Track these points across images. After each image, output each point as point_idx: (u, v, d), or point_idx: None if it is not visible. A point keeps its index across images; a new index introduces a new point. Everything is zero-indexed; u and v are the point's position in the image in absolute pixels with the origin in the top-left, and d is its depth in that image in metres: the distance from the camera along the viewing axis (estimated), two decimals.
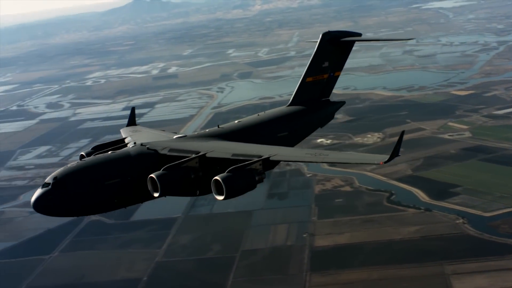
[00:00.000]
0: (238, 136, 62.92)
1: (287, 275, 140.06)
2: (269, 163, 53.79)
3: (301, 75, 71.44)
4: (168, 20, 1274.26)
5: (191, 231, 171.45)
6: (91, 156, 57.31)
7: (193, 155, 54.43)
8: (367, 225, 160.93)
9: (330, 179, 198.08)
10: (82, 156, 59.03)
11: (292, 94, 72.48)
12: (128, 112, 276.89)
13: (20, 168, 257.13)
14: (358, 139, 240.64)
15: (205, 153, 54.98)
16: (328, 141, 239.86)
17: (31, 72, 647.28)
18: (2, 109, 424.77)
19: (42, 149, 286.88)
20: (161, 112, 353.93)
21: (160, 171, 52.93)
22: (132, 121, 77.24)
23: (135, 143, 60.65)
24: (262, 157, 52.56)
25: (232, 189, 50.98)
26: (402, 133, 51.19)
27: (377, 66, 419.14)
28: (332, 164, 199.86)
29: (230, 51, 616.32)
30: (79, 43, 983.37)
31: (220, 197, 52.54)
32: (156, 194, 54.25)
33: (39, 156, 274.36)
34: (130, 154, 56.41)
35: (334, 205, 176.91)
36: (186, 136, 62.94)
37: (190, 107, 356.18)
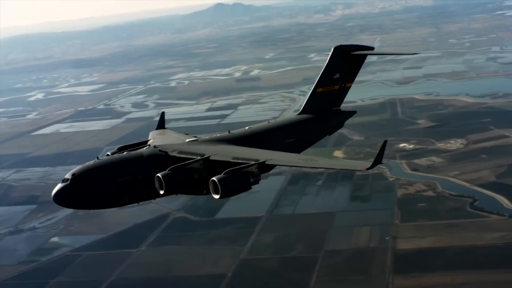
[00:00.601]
0: (246, 141, 65.51)
1: (370, 276, 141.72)
2: (265, 167, 57.11)
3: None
4: (250, 24, 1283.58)
5: (274, 230, 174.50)
6: (107, 156, 61.28)
7: (198, 157, 57.99)
8: (450, 230, 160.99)
9: (412, 183, 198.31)
10: (108, 156, 63.10)
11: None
12: (211, 113, 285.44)
13: None
14: (441, 145, 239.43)
15: (209, 156, 58.30)
16: (411, 146, 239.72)
17: (117, 73, 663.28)
18: (89, 107, 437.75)
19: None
20: (243, 114, 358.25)
21: (166, 171, 56.23)
22: (161, 124, 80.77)
23: (149, 145, 64.61)
24: (258, 161, 55.90)
25: (227, 189, 54.29)
26: (385, 142, 52.69)
27: (460, 72, 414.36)
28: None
29: (312, 55, 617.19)
30: (163, 45, 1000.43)
31: (216, 196, 54.97)
32: (161, 192, 56.82)
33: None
34: (143, 155, 60.08)
35: (417, 209, 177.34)
36: (197, 139, 66.08)
37: (273, 110, 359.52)
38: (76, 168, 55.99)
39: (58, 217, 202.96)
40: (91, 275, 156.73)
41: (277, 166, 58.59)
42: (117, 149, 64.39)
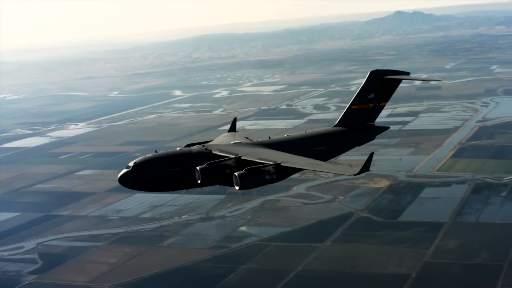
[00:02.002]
0: (281, 146, 74.95)
1: None
2: (284, 169, 66.81)
3: None
4: (430, 33, 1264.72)
5: (458, 236, 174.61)
6: (164, 150, 72.79)
7: (232, 156, 69.10)
8: None
9: None
10: (203, 147, 73.86)
11: None
12: (392, 119, 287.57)
13: None
14: None
15: (240, 156, 69.00)
16: None
17: (298, 75, 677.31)
18: (272, 107, 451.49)
19: None
20: (424, 121, 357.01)
21: (204, 165, 67.98)
22: (232, 128, 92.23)
23: (202, 144, 75.16)
24: (275, 162, 66.25)
25: (244, 183, 65.14)
26: (372, 154, 61.45)
27: None
28: None
29: (494, 67, 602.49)
30: (342, 50, 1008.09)
31: (237, 187, 65.61)
32: (199, 181, 68.47)
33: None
34: (192, 151, 72.12)
35: None
36: (240, 143, 76.48)
37: (454, 119, 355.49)
38: (137, 158, 69.77)
39: (246, 208, 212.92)
40: (278, 264, 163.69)
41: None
42: (184, 146, 75.30)
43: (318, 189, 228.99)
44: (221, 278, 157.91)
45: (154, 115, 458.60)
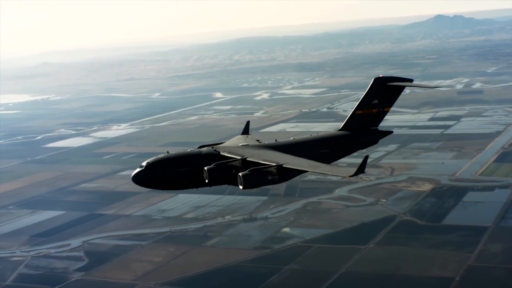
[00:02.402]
0: (287, 149, 78.10)
1: None
2: (287, 170, 69.97)
3: None
4: (471, 37, 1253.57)
5: (502, 240, 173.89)
6: (175, 151, 76.38)
7: (239, 158, 72.24)
8: None
9: None
10: (212, 149, 77.32)
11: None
12: (434, 122, 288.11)
13: (334, 164, 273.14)
14: None
15: (246, 157, 72.19)
16: None
17: (338, 78, 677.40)
18: (313, 110, 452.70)
19: None
20: (466, 125, 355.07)
21: (211, 166, 71.72)
22: (245, 130, 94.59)
23: (212, 146, 78.12)
24: (277, 164, 69.41)
25: (247, 183, 68.57)
26: (366, 157, 63.90)
27: None
28: None
29: None
30: (382, 53, 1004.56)
31: (241, 187, 69.09)
32: (206, 181, 72.18)
33: (350, 156, 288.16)
34: (201, 152, 75.57)
35: None
36: (248, 145, 79.64)
37: (496, 123, 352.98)
38: (150, 158, 73.68)
39: (288, 209, 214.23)
40: (322, 266, 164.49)
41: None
42: (197, 147, 78.59)
43: (360, 192, 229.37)
44: (265, 278, 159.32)
45: (195, 117, 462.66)
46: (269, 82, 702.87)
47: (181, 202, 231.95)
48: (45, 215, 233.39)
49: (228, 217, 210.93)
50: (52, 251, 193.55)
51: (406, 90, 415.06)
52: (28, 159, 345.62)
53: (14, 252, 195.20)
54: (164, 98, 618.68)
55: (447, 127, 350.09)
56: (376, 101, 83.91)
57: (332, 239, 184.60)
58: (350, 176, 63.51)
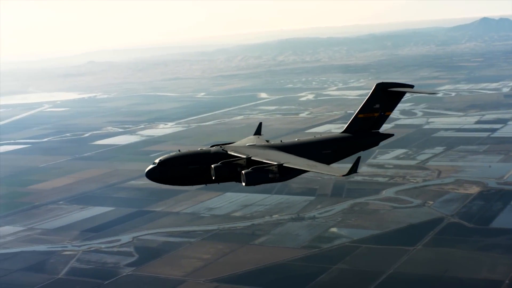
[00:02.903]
0: (291, 149, 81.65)
1: None
2: (285, 169, 73.34)
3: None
4: None
5: None
6: (186, 150, 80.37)
7: (244, 156, 76.09)
8: None
9: None
10: (220, 148, 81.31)
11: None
12: (480, 126, 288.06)
13: (380, 166, 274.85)
14: None
15: (251, 156, 75.88)
16: None
17: (383, 80, 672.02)
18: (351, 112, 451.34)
19: (399, 151, 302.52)
20: None
21: (218, 164, 75.78)
22: (257, 131, 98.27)
23: (220, 146, 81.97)
24: (278, 163, 73.22)
25: (249, 180, 72.85)
26: (359, 158, 68.44)
27: None
28: None
29: None
30: (427, 56, 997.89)
31: (243, 183, 73.68)
32: (213, 178, 76.35)
33: (396, 157, 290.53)
34: (210, 151, 79.28)
35: None
36: (255, 145, 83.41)
37: None
38: (163, 156, 77.71)
39: (335, 210, 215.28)
40: (370, 266, 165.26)
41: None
42: (210, 146, 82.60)
43: (407, 194, 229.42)
44: (314, 277, 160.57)
45: (241, 117, 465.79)
46: (314, 83, 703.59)
47: (228, 201, 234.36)
48: (95, 211, 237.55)
49: (275, 216, 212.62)
50: (103, 246, 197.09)
51: (462, 92, 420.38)
52: (77, 156, 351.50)
53: (66, 247, 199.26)
54: (209, 98, 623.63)
55: (494, 130, 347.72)
56: (377, 106, 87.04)
57: (380, 239, 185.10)
58: (343, 176, 67.61)
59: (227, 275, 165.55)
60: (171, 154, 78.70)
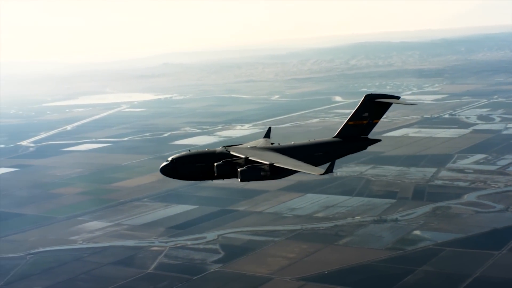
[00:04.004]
0: (286, 151, 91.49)
1: None
2: (275, 168, 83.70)
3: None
4: None
5: None
6: (195, 150, 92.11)
7: (243, 156, 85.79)
8: None
9: None
10: (224, 149, 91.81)
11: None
12: None
13: (460, 171, 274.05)
14: None
15: (249, 156, 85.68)
16: None
17: (458, 85, 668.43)
18: (435, 116, 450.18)
19: (479, 156, 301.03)
20: None
21: (220, 162, 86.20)
22: (267, 135, 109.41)
23: (225, 147, 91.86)
24: (270, 162, 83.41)
25: (243, 177, 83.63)
26: (334, 160, 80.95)
27: None
28: None
29: None
30: (502, 61, 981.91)
31: (239, 180, 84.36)
32: (216, 175, 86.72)
33: (476, 162, 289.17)
34: (215, 151, 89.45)
35: None
36: (255, 147, 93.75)
37: None
38: (175, 155, 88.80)
39: (417, 213, 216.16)
40: (455, 269, 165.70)
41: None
42: (222, 147, 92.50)
43: (489, 198, 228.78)
44: (400, 278, 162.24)
45: (317, 119, 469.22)
46: (388, 87, 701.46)
47: (309, 202, 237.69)
48: (179, 209, 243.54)
49: (358, 218, 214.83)
50: (189, 243, 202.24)
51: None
52: (158, 155, 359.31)
53: (153, 242, 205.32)
54: (284, 100, 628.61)
55: None
56: (366, 114, 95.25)
57: (463, 243, 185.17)
58: (321, 174, 77.99)
59: (313, 274, 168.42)
60: (182, 153, 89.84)
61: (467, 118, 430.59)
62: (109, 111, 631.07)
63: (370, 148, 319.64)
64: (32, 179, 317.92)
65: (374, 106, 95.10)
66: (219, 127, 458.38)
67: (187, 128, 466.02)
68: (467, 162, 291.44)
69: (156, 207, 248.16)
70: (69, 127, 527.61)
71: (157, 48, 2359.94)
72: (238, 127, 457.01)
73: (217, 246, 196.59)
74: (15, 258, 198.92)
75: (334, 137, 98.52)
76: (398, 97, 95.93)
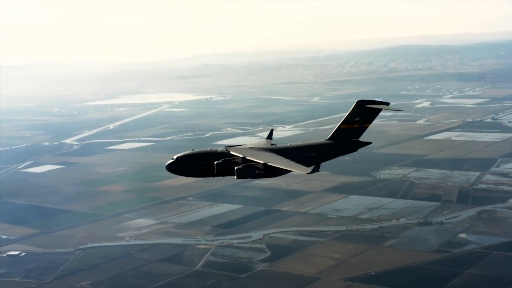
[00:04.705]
0: (283, 152, 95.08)
1: None
2: (268, 167, 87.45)
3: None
4: None
5: None
6: (198, 149, 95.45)
7: (241, 156, 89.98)
8: None
9: None
10: (225, 149, 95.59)
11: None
12: None
13: (504, 175, 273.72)
14: None
15: (246, 156, 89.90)
16: None
17: (500, 89, 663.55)
18: (477, 119, 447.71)
19: None
20: None
21: (219, 160, 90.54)
22: (269, 136, 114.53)
23: (225, 147, 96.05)
24: (264, 162, 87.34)
25: (239, 174, 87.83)
26: (319, 163, 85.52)
27: None
28: None
29: None
30: None
31: (235, 177, 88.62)
32: (216, 172, 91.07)
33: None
34: (217, 151, 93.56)
35: None
36: (254, 147, 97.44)
37: None
38: (180, 153, 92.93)
39: (462, 216, 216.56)
40: (503, 273, 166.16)
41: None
42: (223, 147, 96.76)
43: None
44: (446, 280, 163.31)
45: None
46: (428, 90, 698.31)
47: (354, 203, 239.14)
48: (223, 208, 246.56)
49: (403, 220, 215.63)
50: (235, 241, 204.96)
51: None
52: None
53: (200, 241, 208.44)
54: (324, 102, 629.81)
55: None
56: (357, 119, 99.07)
57: (510, 247, 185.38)
58: (308, 173, 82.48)
59: (360, 274, 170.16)
60: (186, 152, 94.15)
61: (509, 122, 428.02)
62: (150, 111, 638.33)
63: (413, 151, 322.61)
64: (77, 176, 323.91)
65: (365, 112, 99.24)
66: (260, 128, 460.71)
67: (229, 129, 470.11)
68: (511, 166, 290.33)
69: (201, 206, 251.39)
70: (111, 126, 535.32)
71: (197, 49, 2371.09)
72: (279, 128, 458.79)
73: (263, 245, 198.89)
74: (64, 253, 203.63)
75: (327, 139, 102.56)
76: (387, 103, 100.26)
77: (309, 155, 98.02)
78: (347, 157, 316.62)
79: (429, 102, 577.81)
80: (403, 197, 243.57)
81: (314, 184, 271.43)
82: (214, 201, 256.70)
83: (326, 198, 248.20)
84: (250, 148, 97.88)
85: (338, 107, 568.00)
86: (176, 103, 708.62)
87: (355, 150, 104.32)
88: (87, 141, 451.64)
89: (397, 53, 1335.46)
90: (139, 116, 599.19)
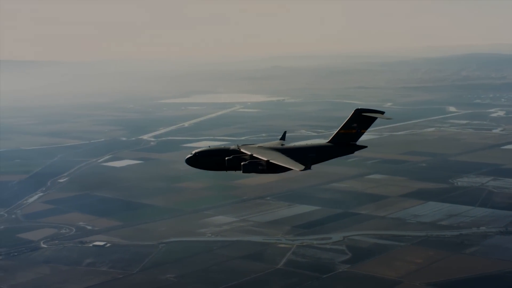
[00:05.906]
0: (287, 151, 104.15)
1: None
2: (271, 164, 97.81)
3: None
4: None
5: None
6: (213, 146, 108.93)
7: (249, 153, 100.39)
8: None
9: None
10: (237, 147, 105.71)
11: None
12: None
13: None
14: None
15: (253, 154, 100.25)
16: None
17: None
18: None
19: None
20: None
21: (230, 157, 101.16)
22: (282, 138, 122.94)
23: (237, 145, 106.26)
24: (267, 159, 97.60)
25: (245, 169, 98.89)
26: (310, 161, 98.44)
27: None
28: None
29: None
30: None
31: (241, 171, 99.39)
32: (226, 166, 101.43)
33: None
34: (229, 148, 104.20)
35: None
36: (262, 146, 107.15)
37: None
38: (197, 149, 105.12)
39: None
40: None
41: None
42: (236, 145, 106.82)
43: None
44: None
45: (432, 129, 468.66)
46: (502, 100, 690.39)
47: (432, 209, 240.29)
48: (302, 209, 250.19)
49: (483, 228, 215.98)
50: (315, 242, 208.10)
51: None
52: None
53: (280, 240, 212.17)
54: (397, 108, 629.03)
55: None
56: (355, 125, 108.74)
57: None
58: (301, 170, 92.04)
59: (442, 280, 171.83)
60: (204, 148, 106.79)
61: None
62: (224, 111, 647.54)
63: (490, 160, 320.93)
64: (156, 172, 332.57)
65: (361, 119, 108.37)
66: (334, 132, 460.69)
67: (303, 131, 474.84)
68: None
69: (280, 206, 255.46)
70: (186, 124, 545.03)
71: (268, 51, 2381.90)
72: None
73: (343, 247, 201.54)
74: (148, 246, 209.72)
75: (327, 142, 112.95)
76: (382, 112, 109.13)
77: (310, 155, 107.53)
78: (423, 164, 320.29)
79: (504, 112, 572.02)
80: (482, 205, 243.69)
81: (392, 189, 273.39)
82: (292, 202, 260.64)
83: (404, 203, 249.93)
84: (259, 147, 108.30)
85: (411, 113, 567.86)
86: (249, 103, 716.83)
87: (352, 152, 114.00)
88: (163, 138, 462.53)
89: (469, 61, 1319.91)
90: (213, 115, 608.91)
